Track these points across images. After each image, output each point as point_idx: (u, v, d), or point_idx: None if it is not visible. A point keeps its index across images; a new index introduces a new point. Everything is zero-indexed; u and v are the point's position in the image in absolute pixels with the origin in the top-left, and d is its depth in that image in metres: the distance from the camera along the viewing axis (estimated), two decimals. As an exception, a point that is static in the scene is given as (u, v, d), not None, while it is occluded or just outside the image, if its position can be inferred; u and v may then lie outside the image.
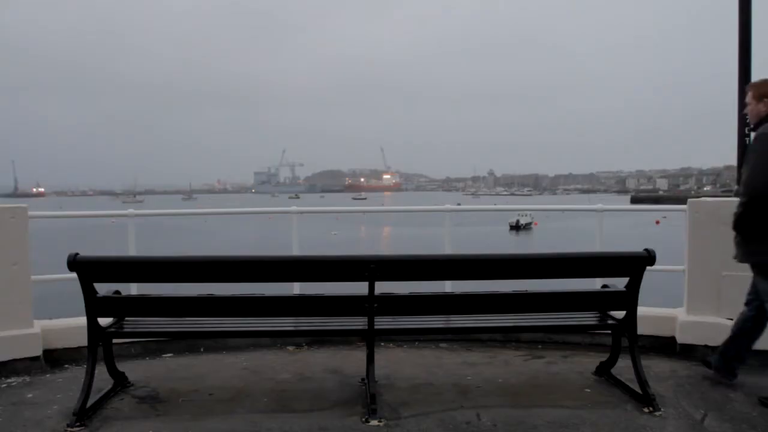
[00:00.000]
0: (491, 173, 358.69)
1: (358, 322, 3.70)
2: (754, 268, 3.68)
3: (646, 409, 3.49)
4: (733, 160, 4.93)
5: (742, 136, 4.79)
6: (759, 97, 3.65)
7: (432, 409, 3.52)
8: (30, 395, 3.83)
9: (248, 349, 4.78)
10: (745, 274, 4.19)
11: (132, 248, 4.94)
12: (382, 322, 3.70)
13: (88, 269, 3.47)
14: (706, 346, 4.51)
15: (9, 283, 4.32)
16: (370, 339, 3.71)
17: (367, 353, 3.74)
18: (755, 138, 3.62)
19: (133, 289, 4.58)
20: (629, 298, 3.73)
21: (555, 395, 3.76)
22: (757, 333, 3.89)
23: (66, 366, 4.43)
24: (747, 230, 3.55)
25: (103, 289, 3.60)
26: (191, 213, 12.06)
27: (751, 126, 3.78)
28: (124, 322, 3.77)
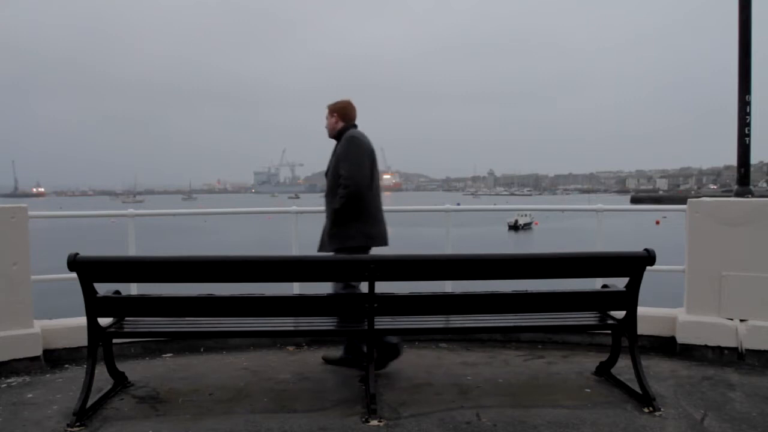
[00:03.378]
0: (491, 173, 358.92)
1: (358, 323, 3.70)
2: (337, 252, 4.11)
3: (646, 409, 3.49)
4: (733, 160, 4.93)
5: (742, 136, 4.79)
6: (332, 113, 4.35)
7: (432, 409, 3.52)
8: (30, 395, 3.83)
9: (248, 349, 4.79)
10: (745, 274, 4.19)
11: (132, 248, 4.94)
12: (382, 322, 3.70)
13: (88, 269, 3.46)
14: (706, 346, 4.51)
15: (9, 283, 4.32)
16: (370, 339, 3.71)
17: (367, 353, 3.73)
18: (346, 140, 4.18)
19: (133, 289, 4.58)
20: (629, 298, 3.73)
21: (555, 395, 3.76)
22: None
23: (66, 366, 4.44)
24: (341, 220, 4.09)
25: (103, 289, 3.60)
26: (191, 213, 12.03)
27: (330, 137, 4.40)
28: (124, 322, 3.77)
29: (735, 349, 4.44)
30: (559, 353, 4.68)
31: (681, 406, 3.56)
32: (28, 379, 4.16)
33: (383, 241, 4.26)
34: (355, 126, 4.34)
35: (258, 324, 3.78)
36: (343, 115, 4.33)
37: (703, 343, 4.53)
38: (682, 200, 5.11)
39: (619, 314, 3.83)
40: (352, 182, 4.04)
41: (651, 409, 3.48)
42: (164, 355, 4.71)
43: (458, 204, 11.16)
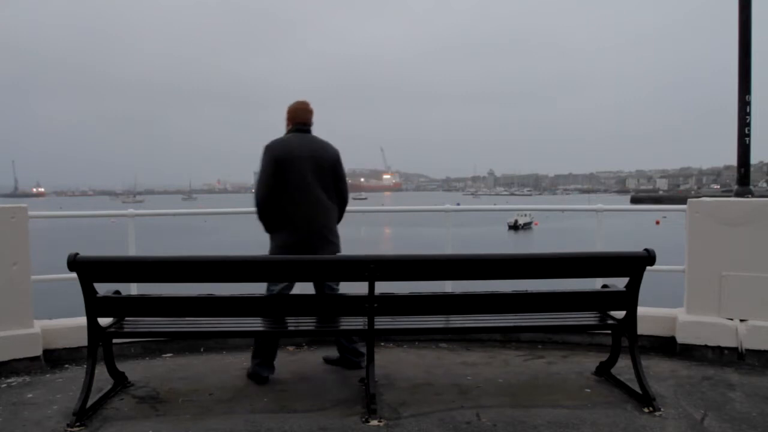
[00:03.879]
0: (491, 173, 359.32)
1: (358, 322, 3.71)
2: None
3: (646, 409, 3.49)
4: (733, 160, 4.93)
5: (742, 136, 4.79)
6: (286, 114, 4.27)
7: (432, 409, 3.52)
8: (30, 395, 3.83)
9: (248, 349, 4.77)
10: (745, 274, 4.17)
11: (132, 248, 4.94)
12: (382, 322, 3.70)
13: (88, 269, 3.46)
14: (706, 346, 4.51)
15: (9, 283, 4.31)
16: (370, 339, 3.70)
17: (366, 353, 3.74)
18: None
19: (133, 289, 4.58)
20: (629, 298, 3.73)
21: (555, 395, 3.76)
22: None
23: (66, 366, 4.43)
24: (266, 230, 4.15)
25: (103, 289, 3.60)
26: (191, 213, 12.03)
27: None
28: (124, 322, 3.76)
29: (735, 349, 4.44)
30: (559, 353, 4.67)
31: (681, 406, 3.56)
32: (28, 379, 4.16)
33: (300, 248, 3.99)
34: (304, 130, 4.20)
35: (258, 324, 3.78)
36: (292, 118, 4.24)
37: (703, 343, 4.53)
38: (682, 200, 5.11)
39: (619, 314, 3.83)
40: (255, 195, 4.09)
41: (651, 409, 3.48)
42: (164, 355, 4.71)
43: (458, 204, 11.17)
